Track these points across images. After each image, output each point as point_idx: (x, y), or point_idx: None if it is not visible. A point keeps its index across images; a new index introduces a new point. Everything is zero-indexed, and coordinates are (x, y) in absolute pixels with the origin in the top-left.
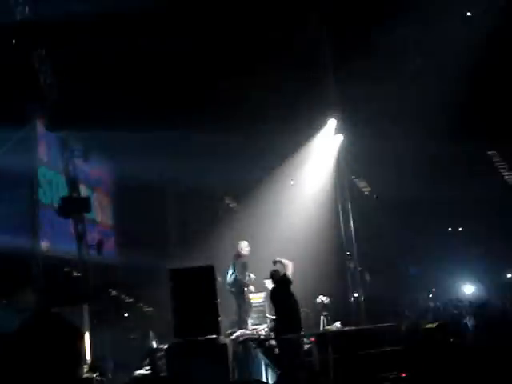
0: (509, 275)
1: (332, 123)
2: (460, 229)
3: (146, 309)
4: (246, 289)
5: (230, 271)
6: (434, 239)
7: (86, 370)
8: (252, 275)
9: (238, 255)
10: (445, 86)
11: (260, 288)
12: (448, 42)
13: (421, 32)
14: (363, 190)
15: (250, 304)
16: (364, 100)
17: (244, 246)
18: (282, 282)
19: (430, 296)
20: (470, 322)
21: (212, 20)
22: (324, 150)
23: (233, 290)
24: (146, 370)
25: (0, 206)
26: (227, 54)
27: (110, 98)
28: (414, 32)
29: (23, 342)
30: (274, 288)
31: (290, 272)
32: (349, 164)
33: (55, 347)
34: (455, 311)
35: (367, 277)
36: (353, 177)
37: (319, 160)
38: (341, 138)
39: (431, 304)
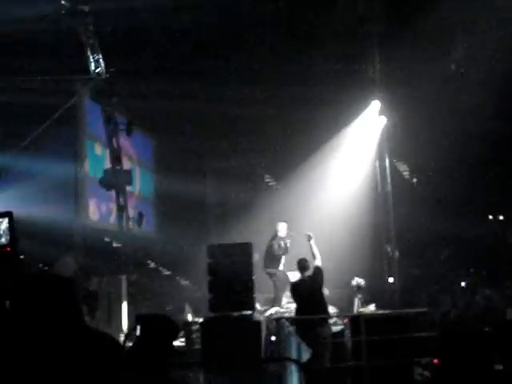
0: None
1: (375, 105)
2: (501, 217)
3: (183, 282)
4: (279, 268)
5: (268, 250)
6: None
7: (122, 338)
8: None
9: (275, 235)
10: (493, 70)
11: (295, 266)
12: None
13: (470, 14)
14: (404, 173)
15: (286, 282)
16: (409, 83)
17: (281, 227)
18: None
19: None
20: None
21: None
22: (366, 131)
23: (267, 270)
24: (181, 342)
25: (46, 177)
26: (273, 30)
27: (155, 74)
28: (463, 14)
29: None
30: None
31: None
32: (391, 147)
33: (48, 297)
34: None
35: (404, 262)
36: (394, 160)
37: (361, 141)
38: (384, 120)
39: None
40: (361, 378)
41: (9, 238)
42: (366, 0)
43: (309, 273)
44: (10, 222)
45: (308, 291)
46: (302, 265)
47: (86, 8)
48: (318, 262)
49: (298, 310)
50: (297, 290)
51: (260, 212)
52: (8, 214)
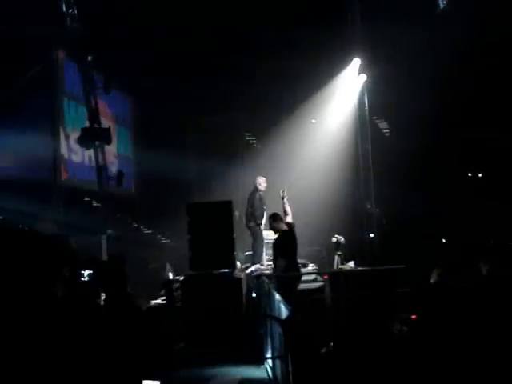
0: None
1: (356, 62)
2: (480, 175)
3: (164, 241)
4: (261, 223)
5: (247, 205)
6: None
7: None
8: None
9: (256, 190)
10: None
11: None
12: None
13: None
14: (384, 131)
15: (263, 239)
16: (390, 41)
17: (261, 181)
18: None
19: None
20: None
21: None
22: (347, 89)
23: (249, 224)
24: (162, 300)
25: (23, 136)
26: None
27: (132, 29)
28: None
29: None
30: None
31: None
32: (371, 105)
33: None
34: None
35: (383, 220)
36: (374, 118)
37: (341, 99)
38: (364, 77)
39: None
40: (340, 334)
41: None
42: None
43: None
44: None
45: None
46: (275, 218)
47: None
48: (289, 219)
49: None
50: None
51: (241, 170)
52: None
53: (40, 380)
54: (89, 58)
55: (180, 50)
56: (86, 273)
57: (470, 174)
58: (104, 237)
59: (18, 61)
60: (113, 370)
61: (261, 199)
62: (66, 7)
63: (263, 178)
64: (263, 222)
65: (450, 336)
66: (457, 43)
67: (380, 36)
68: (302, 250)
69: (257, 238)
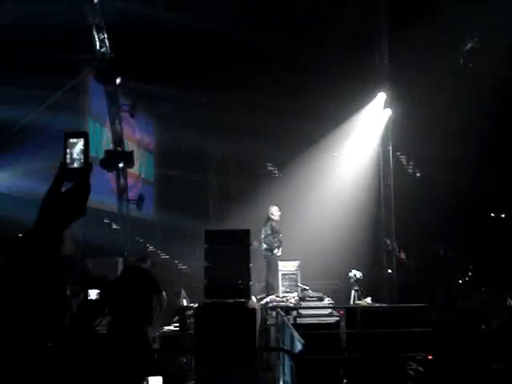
0: None
1: (381, 97)
2: (503, 215)
3: (181, 267)
4: (275, 253)
5: (261, 234)
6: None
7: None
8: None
9: (268, 219)
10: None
11: (292, 256)
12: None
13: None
14: (407, 167)
15: (278, 269)
16: (416, 76)
17: (274, 211)
18: None
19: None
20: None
21: None
22: (371, 123)
23: (263, 253)
24: (175, 327)
25: (46, 155)
26: (283, 16)
27: (161, 58)
28: (472, 10)
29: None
30: None
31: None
32: (394, 140)
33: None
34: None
35: (402, 255)
36: (398, 153)
37: (365, 133)
38: (389, 112)
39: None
40: (354, 371)
41: (83, 161)
42: None
43: None
44: (85, 144)
45: None
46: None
47: None
48: None
49: None
50: None
51: (261, 199)
52: (84, 135)
53: None
54: (117, 80)
55: (207, 79)
56: (93, 292)
57: (492, 214)
58: (120, 259)
59: (46, 82)
60: None
61: (272, 228)
62: (96, 31)
63: (276, 207)
64: (279, 252)
65: (466, 379)
66: (483, 80)
67: (406, 71)
68: (318, 283)
69: (270, 267)
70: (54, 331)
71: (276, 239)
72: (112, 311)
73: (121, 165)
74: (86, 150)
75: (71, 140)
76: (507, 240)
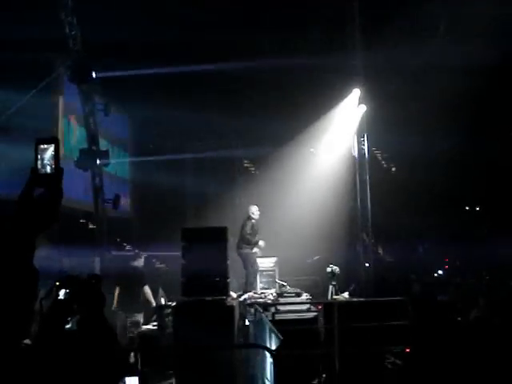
0: None
1: (356, 93)
2: (477, 208)
3: (158, 265)
4: (253, 250)
5: (240, 233)
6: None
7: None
8: (262, 242)
9: (248, 218)
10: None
11: (270, 252)
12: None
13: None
14: (383, 162)
15: (257, 267)
16: (390, 72)
17: (254, 210)
18: None
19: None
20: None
21: None
22: (346, 119)
23: (240, 251)
24: (153, 326)
25: (20, 153)
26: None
27: (134, 54)
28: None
29: None
30: None
31: None
32: (370, 136)
33: None
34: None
35: (380, 250)
36: (373, 149)
37: (341, 129)
38: (364, 108)
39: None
40: (333, 366)
41: (54, 167)
42: None
43: None
44: (55, 150)
45: None
46: None
47: None
48: None
49: None
50: None
51: (237, 196)
52: (54, 140)
53: None
54: (93, 75)
55: (181, 75)
56: (62, 291)
57: (467, 208)
58: (97, 259)
59: (18, 82)
60: None
61: (253, 227)
62: (68, 29)
63: (256, 207)
64: (257, 250)
65: (444, 371)
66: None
67: (381, 67)
68: (296, 279)
69: (248, 264)
70: (17, 336)
71: (256, 237)
72: (81, 309)
73: (96, 164)
74: (56, 156)
75: (42, 146)
76: (483, 232)
